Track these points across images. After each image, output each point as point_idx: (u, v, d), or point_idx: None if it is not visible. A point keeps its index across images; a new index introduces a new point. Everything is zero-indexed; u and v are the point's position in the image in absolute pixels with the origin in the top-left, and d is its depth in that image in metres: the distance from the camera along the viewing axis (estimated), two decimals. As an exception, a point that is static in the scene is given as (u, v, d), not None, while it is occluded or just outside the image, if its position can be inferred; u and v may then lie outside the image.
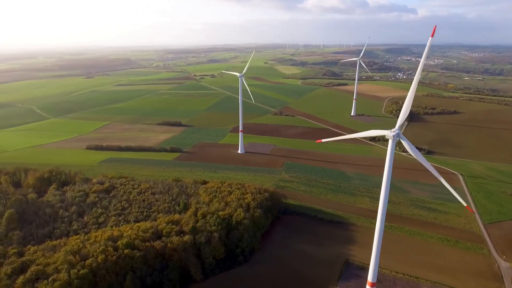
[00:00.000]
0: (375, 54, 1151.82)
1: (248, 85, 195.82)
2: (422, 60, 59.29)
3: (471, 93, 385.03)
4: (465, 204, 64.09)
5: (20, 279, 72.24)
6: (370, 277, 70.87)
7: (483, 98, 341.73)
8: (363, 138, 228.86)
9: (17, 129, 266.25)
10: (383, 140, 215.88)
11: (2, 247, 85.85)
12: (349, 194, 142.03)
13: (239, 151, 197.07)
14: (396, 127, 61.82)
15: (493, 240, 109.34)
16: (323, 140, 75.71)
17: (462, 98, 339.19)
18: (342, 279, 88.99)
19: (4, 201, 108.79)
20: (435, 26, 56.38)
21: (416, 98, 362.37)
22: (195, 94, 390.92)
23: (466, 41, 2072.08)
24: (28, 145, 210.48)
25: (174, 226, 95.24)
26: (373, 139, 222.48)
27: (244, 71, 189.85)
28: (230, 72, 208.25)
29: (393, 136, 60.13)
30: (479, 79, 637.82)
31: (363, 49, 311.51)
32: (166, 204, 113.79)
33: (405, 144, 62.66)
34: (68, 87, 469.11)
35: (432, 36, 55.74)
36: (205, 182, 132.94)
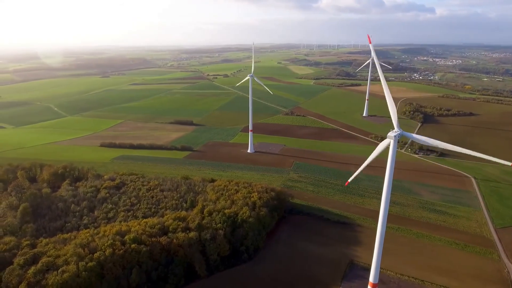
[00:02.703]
0: (390, 54, 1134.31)
1: (259, 84, 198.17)
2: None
3: (488, 95, 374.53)
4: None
5: (32, 269, 75.12)
6: (371, 278, 70.74)
7: (501, 100, 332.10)
8: (373, 139, 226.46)
9: (35, 126, 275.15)
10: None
11: (16, 239, 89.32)
12: (357, 195, 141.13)
13: (248, 151, 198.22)
14: (396, 128, 61.43)
15: (504, 245, 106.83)
16: (349, 180, 79.92)
17: (479, 100, 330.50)
18: (345, 279, 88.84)
19: (20, 195, 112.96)
20: (368, 35, 58.36)
21: (430, 99, 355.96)
22: (208, 93, 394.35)
23: (486, 41, 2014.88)
24: (45, 142, 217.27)
25: (181, 222, 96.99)
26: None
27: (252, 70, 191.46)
28: (242, 81, 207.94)
29: (394, 136, 59.80)
30: (499, 80, 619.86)
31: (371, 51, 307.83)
32: (174, 201, 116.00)
33: (415, 138, 61.91)
34: (85, 86, 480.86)
35: (370, 42, 59.39)
36: (213, 180, 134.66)
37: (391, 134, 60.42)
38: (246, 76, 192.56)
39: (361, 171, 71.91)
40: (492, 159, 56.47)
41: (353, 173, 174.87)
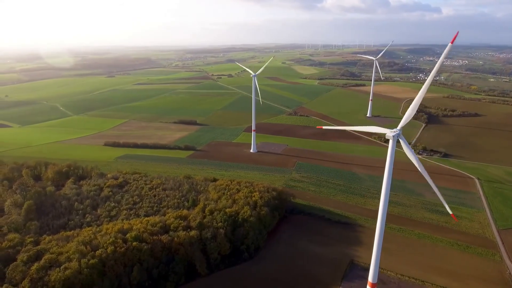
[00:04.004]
0: (396, 55, 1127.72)
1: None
2: (437, 65, 58.59)
3: (494, 95, 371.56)
4: (450, 212, 66.64)
5: (35, 266, 76.31)
6: (370, 278, 70.82)
7: (507, 101, 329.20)
8: (376, 139, 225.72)
9: (41, 125, 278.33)
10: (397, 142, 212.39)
11: (20, 236, 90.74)
12: (359, 195, 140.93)
13: (251, 150, 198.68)
14: (398, 127, 61.60)
15: (506, 246, 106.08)
16: (324, 127, 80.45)
17: (484, 100, 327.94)
18: (345, 279, 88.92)
19: (24, 193, 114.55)
20: (457, 32, 53.97)
21: (435, 100, 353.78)
22: (212, 93, 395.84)
23: (493, 41, 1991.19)
24: (50, 141, 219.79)
25: (182, 221, 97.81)
26: (387, 141, 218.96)
27: (258, 71, 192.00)
28: (247, 69, 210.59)
29: (393, 136, 59.90)
30: (506, 81, 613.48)
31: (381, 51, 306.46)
32: (176, 200, 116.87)
33: (402, 144, 62.18)
34: (90, 86, 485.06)
35: (452, 42, 52.38)
36: (215, 180, 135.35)
37: (390, 134, 60.51)
38: (250, 75, 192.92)
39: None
40: None
41: (356, 173, 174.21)
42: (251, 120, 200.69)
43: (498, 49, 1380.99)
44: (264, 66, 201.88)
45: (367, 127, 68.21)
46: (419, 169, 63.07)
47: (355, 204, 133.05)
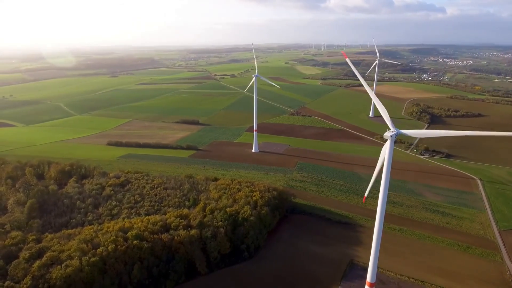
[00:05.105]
0: (399, 55, 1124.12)
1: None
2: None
3: (498, 96, 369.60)
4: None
5: (37, 263, 77.24)
6: (368, 277, 70.96)
7: (511, 101, 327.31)
8: (378, 139, 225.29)
9: (45, 124, 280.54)
10: (400, 142, 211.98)
11: (22, 234, 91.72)
12: (360, 195, 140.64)
13: (253, 150, 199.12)
14: (391, 128, 61.65)
15: (507, 247, 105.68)
16: (366, 195, 79.62)
17: (488, 101, 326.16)
18: (345, 279, 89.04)
19: (27, 191, 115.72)
20: (343, 52, 64.17)
21: (438, 100, 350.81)
22: (214, 93, 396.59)
23: (498, 41, 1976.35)
24: (54, 140, 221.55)
25: (182, 220, 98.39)
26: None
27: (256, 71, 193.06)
28: (250, 83, 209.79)
29: (391, 136, 60.03)
30: (510, 81, 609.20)
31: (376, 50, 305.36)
32: (177, 199, 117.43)
33: (410, 133, 61.66)
34: (94, 86, 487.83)
35: (346, 57, 72.62)
36: (216, 179, 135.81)
37: (388, 134, 60.66)
38: (252, 77, 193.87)
39: (374, 180, 70.59)
40: (491, 133, 53.41)
41: (357, 174, 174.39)
42: (253, 120, 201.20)
43: (503, 49, 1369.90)
44: (255, 60, 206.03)
45: (379, 160, 65.86)
46: (441, 134, 61.20)
47: (356, 204, 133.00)
